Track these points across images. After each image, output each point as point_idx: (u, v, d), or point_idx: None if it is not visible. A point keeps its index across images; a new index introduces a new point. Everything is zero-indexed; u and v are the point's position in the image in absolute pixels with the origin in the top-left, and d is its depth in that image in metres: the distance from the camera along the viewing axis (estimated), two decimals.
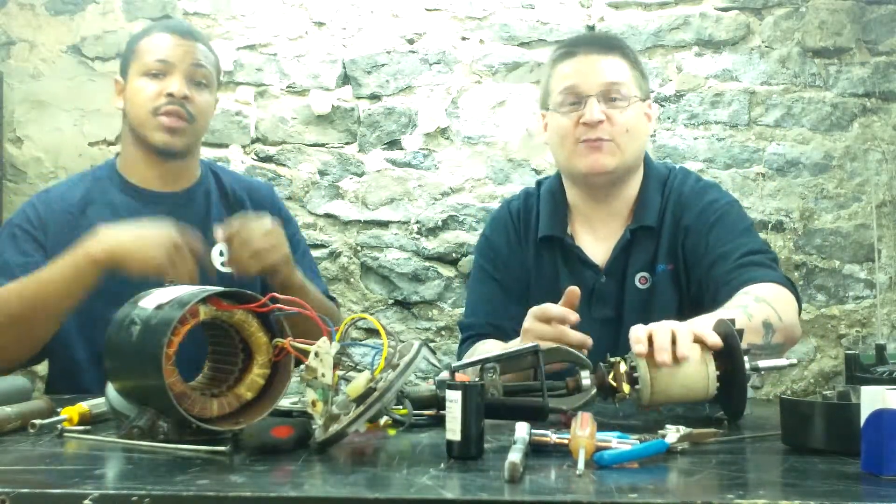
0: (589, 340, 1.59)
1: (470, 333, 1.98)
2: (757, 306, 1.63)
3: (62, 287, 1.79)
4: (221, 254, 2.02)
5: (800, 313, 1.80)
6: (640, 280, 1.91)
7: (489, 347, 1.86)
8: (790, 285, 1.78)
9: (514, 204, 2.07)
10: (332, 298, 2.26)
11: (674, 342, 1.36)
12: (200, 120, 2.03)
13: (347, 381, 1.19)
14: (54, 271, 1.80)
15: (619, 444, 1.11)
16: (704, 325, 1.44)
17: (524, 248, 2.01)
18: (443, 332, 3.06)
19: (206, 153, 2.92)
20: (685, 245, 1.91)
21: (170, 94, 1.97)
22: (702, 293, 1.85)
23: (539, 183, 2.08)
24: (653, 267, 1.91)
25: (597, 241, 1.96)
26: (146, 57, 2.01)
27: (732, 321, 1.41)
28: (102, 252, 1.76)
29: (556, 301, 1.67)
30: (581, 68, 1.90)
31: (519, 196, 2.09)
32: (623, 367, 1.40)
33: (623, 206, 1.96)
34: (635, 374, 1.38)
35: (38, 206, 2.01)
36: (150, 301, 1.28)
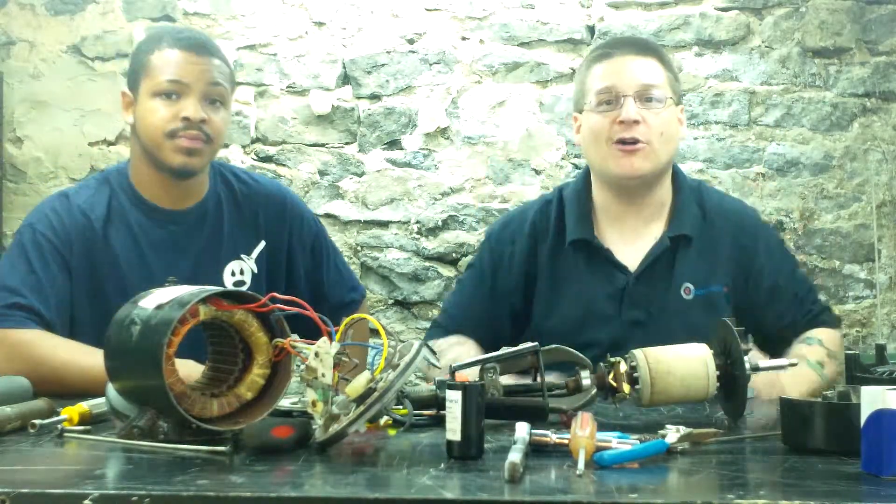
0: None
1: (439, 324, 2.04)
2: (832, 364, 1.87)
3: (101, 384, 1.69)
4: (233, 273, 2.02)
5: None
6: (685, 290, 1.91)
7: (457, 353, 1.88)
8: (839, 325, 2.01)
9: (531, 213, 2.04)
10: (357, 289, 2.26)
11: None
12: (218, 139, 1.96)
13: (347, 380, 1.19)
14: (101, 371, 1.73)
15: (619, 444, 1.11)
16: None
17: (535, 262, 1.99)
18: None
19: None
20: (759, 279, 1.95)
21: (186, 118, 1.89)
22: (742, 313, 1.85)
23: (560, 189, 2.06)
24: (706, 283, 1.92)
25: (626, 243, 1.96)
26: (158, 75, 1.91)
27: (733, 320, 1.41)
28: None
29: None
30: (617, 69, 1.91)
31: (536, 204, 2.07)
32: (623, 367, 1.40)
33: (653, 210, 1.97)
34: (635, 374, 1.38)
35: (62, 216, 1.94)
36: (150, 301, 1.28)
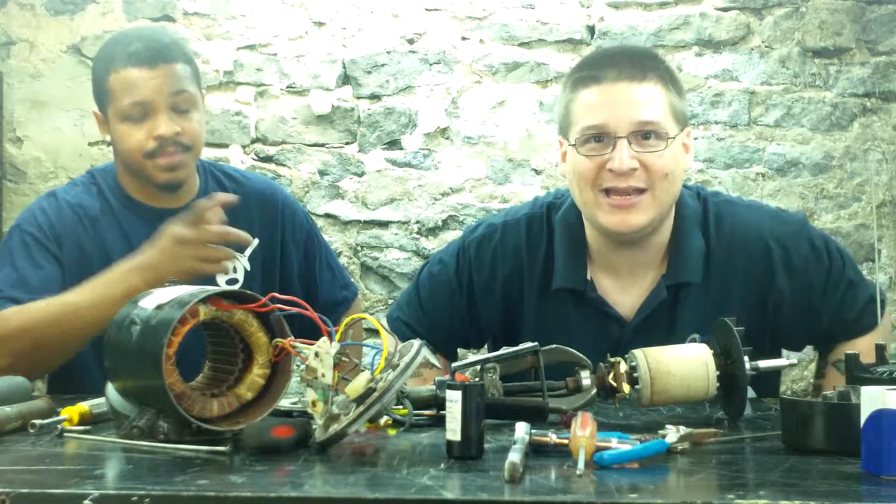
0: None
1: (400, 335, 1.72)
2: None
3: (95, 315, 1.71)
4: (225, 272, 2.01)
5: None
6: (691, 341, 1.61)
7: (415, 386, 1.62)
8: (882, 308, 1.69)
9: (515, 236, 1.77)
10: (349, 287, 2.25)
11: None
12: (198, 143, 1.95)
13: (347, 380, 1.19)
14: (85, 299, 1.75)
15: (619, 444, 1.10)
16: None
17: (521, 290, 1.75)
18: None
19: (206, 153, 2.90)
20: (780, 309, 1.70)
21: (159, 136, 1.87)
22: (771, 336, 1.71)
23: (549, 208, 1.78)
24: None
25: (622, 289, 1.71)
26: (121, 100, 1.88)
27: (733, 320, 1.41)
28: (143, 283, 1.68)
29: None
30: (608, 101, 1.60)
31: (521, 223, 1.79)
32: (623, 367, 1.39)
33: (652, 253, 1.70)
34: (635, 374, 1.38)
35: (49, 214, 1.93)
36: (150, 301, 1.28)
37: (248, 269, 2.02)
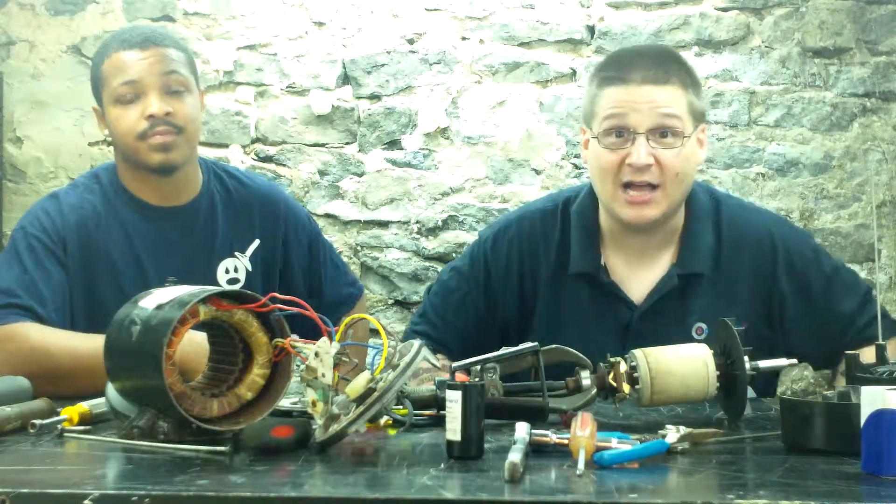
0: None
1: (422, 334, 1.79)
2: None
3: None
4: (227, 271, 2.02)
5: None
6: (697, 330, 1.76)
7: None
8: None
9: (530, 225, 1.87)
10: (355, 284, 2.26)
11: None
12: (190, 126, 1.94)
13: (347, 380, 1.19)
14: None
15: (619, 444, 1.11)
16: None
17: (533, 286, 1.83)
18: None
19: (206, 153, 2.91)
20: (783, 312, 1.78)
21: (150, 116, 1.88)
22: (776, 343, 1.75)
23: (566, 203, 1.87)
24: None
25: (634, 275, 1.80)
26: (113, 82, 1.90)
27: (733, 321, 1.41)
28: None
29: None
30: (631, 98, 1.70)
31: (536, 215, 1.89)
32: (623, 367, 1.40)
33: (664, 239, 1.80)
34: (635, 374, 1.38)
35: (53, 216, 1.93)
36: (150, 301, 1.28)
37: (250, 269, 2.03)
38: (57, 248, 1.90)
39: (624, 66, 1.75)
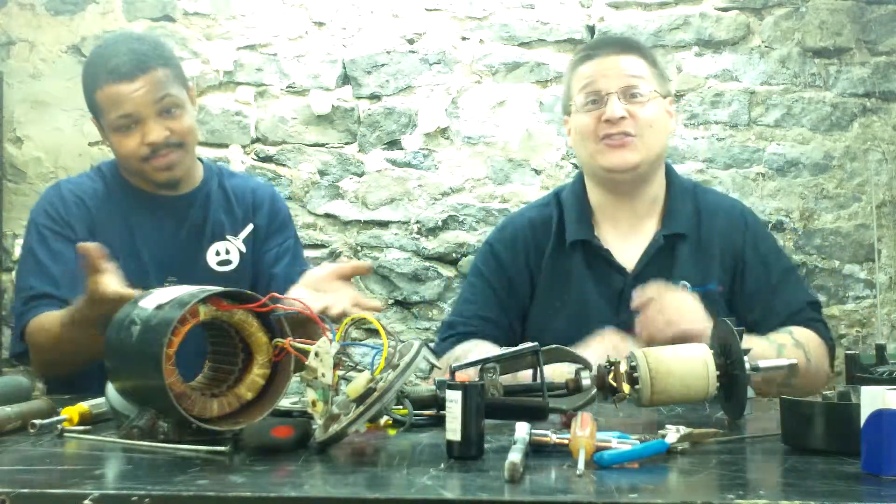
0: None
1: (451, 333, 1.96)
2: (794, 350, 1.78)
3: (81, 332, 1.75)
4: (217, 253, 2.06)
5: (832, 361, 1.93)
6: (682, 288, 1.88)
7: (467, 347, 1.87)
8: (829, 337, 1.93)
9: (529, 214, 2.07)
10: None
11: None
12: (189, 138, 2.02)
13: (347, 380, 1.19)
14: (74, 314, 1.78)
15: (619, 444, 1.11)
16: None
17: (537, 261, 2.00)
18: None
19: (206, 153, 2.92)
20: (744, 277, 1.95)
21: (150, 143, 1.96)
22: (734, 312, 1.88)
23: (557, 192, 2.08)
24: (702, 281, 1.91)
25: (625, 243, 1.97)
26: (109, 115, 1.97)
27: (733, 320, 1.41)
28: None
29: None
30: (600, 68, 1.94)
31: (534, 207, 2.10)
32: (623, 367, 1.40)
33: (648, 207, 1.99)
34: (635, 374, 1.38)
35: (54, 201, 2.03)
36: (150, 301, 1.28)
37: (244, 251, 2.09)
38: (64, 228, 2.01)
39: (591, 47, 2.05)
